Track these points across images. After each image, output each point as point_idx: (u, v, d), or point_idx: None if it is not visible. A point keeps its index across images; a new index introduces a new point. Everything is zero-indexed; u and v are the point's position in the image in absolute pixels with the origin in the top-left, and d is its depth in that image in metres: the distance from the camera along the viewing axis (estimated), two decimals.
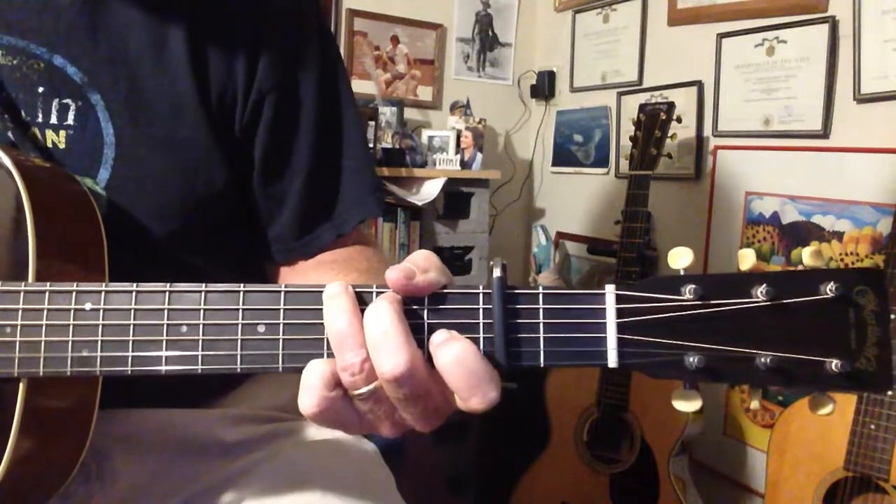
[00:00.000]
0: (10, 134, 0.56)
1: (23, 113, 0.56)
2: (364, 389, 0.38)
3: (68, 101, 0.57)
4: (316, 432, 0.66)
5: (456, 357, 0.37)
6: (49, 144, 0.57)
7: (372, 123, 2.00)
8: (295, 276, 0.68)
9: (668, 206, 2.04)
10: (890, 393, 1.23)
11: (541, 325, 0.38)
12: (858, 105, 1.58)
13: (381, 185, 0.72)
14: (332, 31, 2.18)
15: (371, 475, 0.64)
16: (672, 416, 1.59)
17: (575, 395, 1.73)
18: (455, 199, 2.17)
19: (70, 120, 0.57)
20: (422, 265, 0.39)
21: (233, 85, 0.62)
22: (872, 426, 1.24)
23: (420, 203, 2.02)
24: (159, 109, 0.59)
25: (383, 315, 0.37)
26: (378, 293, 0.40)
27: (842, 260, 1.60)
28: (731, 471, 1.86)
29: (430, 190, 2.07)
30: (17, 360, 0.43)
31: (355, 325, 0.38)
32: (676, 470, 1.60)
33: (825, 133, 1.65)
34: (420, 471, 1.96)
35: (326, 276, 0.65)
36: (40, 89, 0.56)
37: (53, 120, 0.57)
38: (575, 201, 2.45)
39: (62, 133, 0.57)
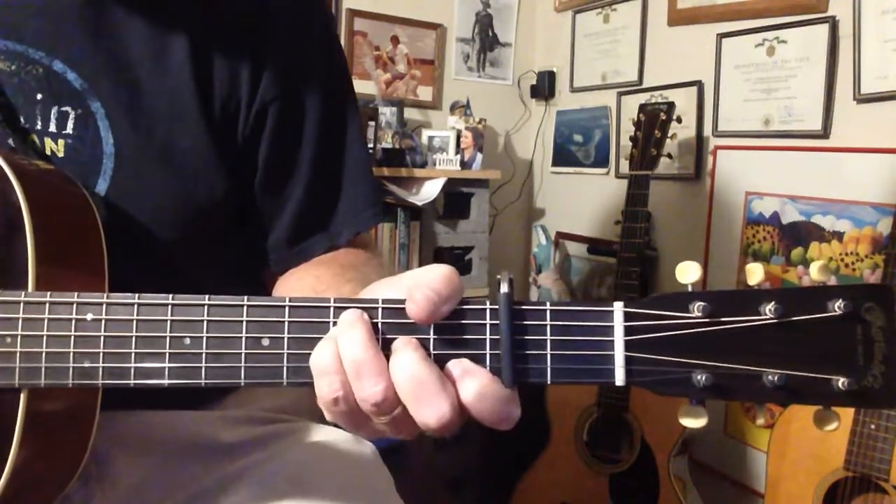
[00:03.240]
0: (10, 141, 0.55)
1: (21, 119, 0.55)
2: (385, 418, 0.38)
3: (67, 108, 0.56)
4: (315, 434, 0.66)
5: (478, 393, 0.37)
6: (48, 153, 0.56)
7: (372, 123, 2.00)
8: (284, 279, 0.68)
9: (668, 206, 2.04)
10: None
11: (548, 342, 0.38)
12: (858, 105, 1.58)
13: (379, 198, 0.72)
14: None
15: (370, 476, 0.64)
16: (672, 417, 1.58)
17: (575, 395, 1.73)
18: (455, 199, 2.17)
19: (69, 128, 0.56)
20: (444, 294, 0.37)
21: (237, 93, 0.61)
22: (872, 426, 1.24)
23: (420, 203, 2.02)
24: (160, 118, 0.58)
25: (413, 364, 0.37)
26: (384, 309, 0.39)
27: (842, 260, 1.60)
28: (731, 471, 1.86)
29: (430, 190, 2.06)
30: (17, 371, 0.42)
31: (371, 350, 0.37)
32: (676, 470, 1.60)
33: (825, 133, 1.64)
34: (420, 471, 1.96)
35: (311, 272, 0.65)
36: (39, 96, 0.55)
37: (52, 128, 0.56)
38: (575, 201, 2.44)
39: (61, 142, 0.56)
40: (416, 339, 0.38)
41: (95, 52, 0.56)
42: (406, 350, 0.37)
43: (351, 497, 0.59)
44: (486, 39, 2.52)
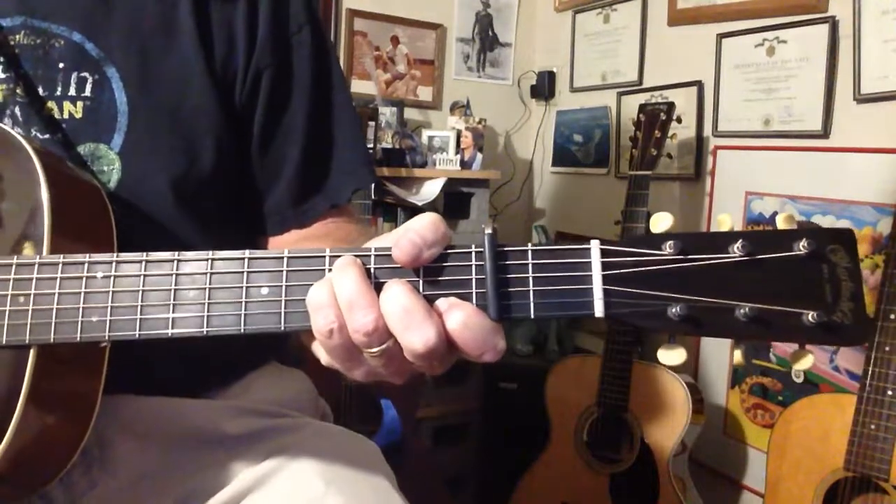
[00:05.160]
0: (17, 109, 0.60)
1: (40, 88, 0.61)
2: (377, 349, 0.40)
3: (86, 74, 0.62)
4: (318, 431, 0.67)
5: (463, 322, 0.39)
6: (66, 115, 0.61)
7: (372, 123, 2.01)
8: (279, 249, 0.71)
9: (668, 206, 2.04)
10: (890, 393, 1.23)
11: (530, 279, 0.40)
12: (858, 105, 1.58)
13: (370, 158, 0.76)
14: (331, 30, 2.19)
15: (372, 472, 0.64)
16: (672, 416, 1.59)
17: (575, 395, 1.73)
18: (455, 199, 2.17)
19: (87, 91, 0.62)
20: (429, 240, 0.40)
21: (234, 58, 0.66)
22: (872, 426, 1.24)
23: (420, 203, 2.02)
24: (169, 79, 0.63)
25: (400, 294, 0.39)
26: (377, 256, 0.41)
27: None
28: (731, 471, 1.86)
29: (430, 190, 2.07)
30: (28, 328, 0.44)
31: (363, 286, 0.39)
32: (676, 470, 1.60)
33: (825, 133, 1.65)
34: (420, 471, 1.96)
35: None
36: (61, 65, 0.61)
37: (72, 92, 0.61)
38: (575, 201, 2.45)
39: (80, 104, 0.61)
40: (406, 280, 0.40)
41: (110, 24, 0.63)
42: (395, 285, 0.39)
43: (353, 494, 0.59)
44: (486, 39, 2.52)
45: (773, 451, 1.42)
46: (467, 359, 0.40)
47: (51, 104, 0.61)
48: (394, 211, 2.05)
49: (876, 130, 1.54)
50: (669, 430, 1.58)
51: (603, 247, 0.40)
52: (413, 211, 2.07)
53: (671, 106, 1.71)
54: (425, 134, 2.24)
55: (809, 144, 1.68)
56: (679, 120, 1.77)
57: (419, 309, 0.38)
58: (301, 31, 0.70)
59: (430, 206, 2.08)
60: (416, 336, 0.38)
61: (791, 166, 1.72)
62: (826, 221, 1.64)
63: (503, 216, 2.55)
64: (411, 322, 0.38)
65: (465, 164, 2.20)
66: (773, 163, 1.76)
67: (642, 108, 1.75)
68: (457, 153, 2.19)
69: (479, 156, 2.24)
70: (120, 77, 0.62)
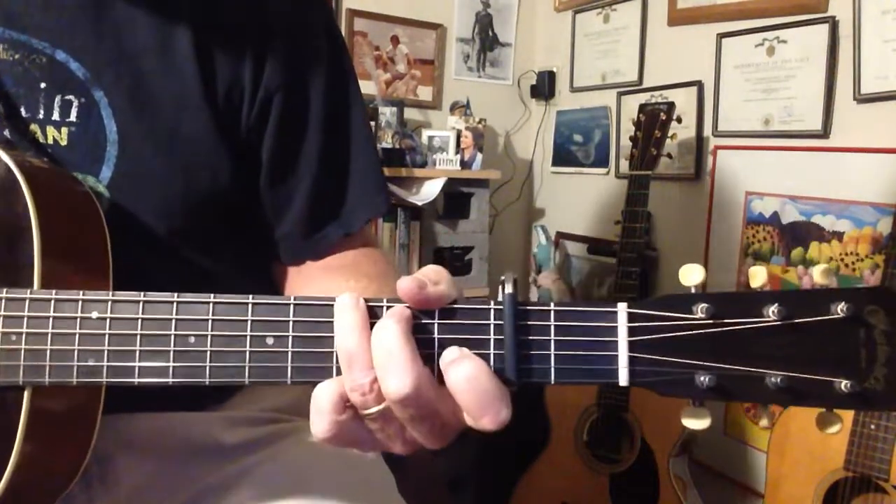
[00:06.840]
0: (6, 132, 0.55)
1: (23, 109, 0.55)
2: (373, 409, 0.38)
3: (71, 97, 0.56)
4: None
5: (467, 376, 0.37)
6: (50, 141, 0.56)
7: (372, 123, 2.00)
8: (302, 279, 0.68)
9: (668, 206, 2.04)
10: None
11: (552, 342, 0.38)
12: (858, 105, 1.58)
13: (386, 183, 0.72)
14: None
15: (371, 476, 0.64)
16: (672, 417, 1.59)
17: (575, 395, 1.73)
18: (455, 199, 2.17)
19: (73, 116, 0.56)
20: (433, 277, 0.39)
21: (240, 83, 0.61)
22: (872, 426, 1.24)
23: (420, 203, 2.02)
24: (163, 106, 0.58)
25: (389, 334, 0.37)
26: (389, 307, 0.39)
27: (842, 260, 1.60)
28: (731, 471, 1.86)
29: (430, 190, 2.06)
30: (22, 369, 0.42)
31: (364, 343, 0.37)
32: (676, 470, 1.60)
33: (825, 133, 1.65)
34: (420, 471, 1.96)
35: (335, 282, 0.64)
36: (42, 85, 0.55)
37: (55, 116, 0.56)
38: (575, 201, 2.44)
39: (64, 130, 0.56)
40: (407, 318, 0.38)
41: (98, 42, 0.57)
42: (387, 321, 0.37)
43: (352, 497, 0.59)
44: (486, 39, 2.52)
45: (773, 451, 1.42)
46: (465, 422, 0.38)
47: (34, 127, 0.55)
48: (394, 211, 2.05)
49: (876, 130, 1.54)
50: (669, 431, 1.58)
51: (630, 310, 0.38)
52: (413, 210, 2.07)
53: (671, 106, 1.70)
54: (425, 134, 2.23)
55: (809, 144, 1.68)
56: (679, 120, 1.77)
57: (405, 353, 0.36)
58: (316, 51, 0.65)
59: (430, 206, 2.08)
60: (392, 381, 0.36)
61: (791, 166, 1.72)
62: (826, 221, 1.64)
63: (503, 216, 2.55)
64: (391, 365, 0.36)
65: (465, 164, 2.20)
66: (773, 163, 1.76)
67: (642, 108, 1.74)
68: (457, 153, 2.19)
69: (479, 156, 2.24)
70: (109, 102, 0.56)
